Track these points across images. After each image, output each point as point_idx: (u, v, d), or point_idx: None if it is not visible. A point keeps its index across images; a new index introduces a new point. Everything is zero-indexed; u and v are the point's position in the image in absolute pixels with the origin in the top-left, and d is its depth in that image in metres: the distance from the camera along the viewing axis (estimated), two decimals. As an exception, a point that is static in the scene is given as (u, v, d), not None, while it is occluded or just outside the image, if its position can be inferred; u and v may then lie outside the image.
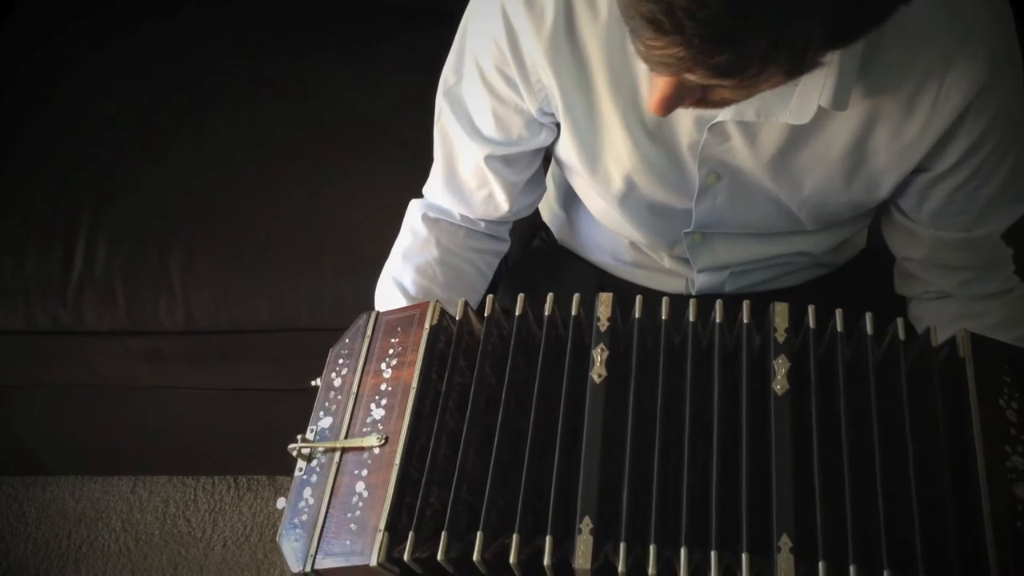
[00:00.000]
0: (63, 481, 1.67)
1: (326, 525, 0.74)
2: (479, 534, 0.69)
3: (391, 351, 0.81)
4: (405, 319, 0.83)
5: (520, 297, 0.79)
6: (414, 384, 0.78)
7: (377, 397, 0.79)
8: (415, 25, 1.49)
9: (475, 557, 0.69)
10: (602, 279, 1.11)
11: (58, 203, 1.36)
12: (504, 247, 1.06)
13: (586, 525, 0.69)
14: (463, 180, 0.96)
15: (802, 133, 0.82)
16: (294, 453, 0.79)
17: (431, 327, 0.80)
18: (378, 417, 0.77)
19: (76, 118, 1.44)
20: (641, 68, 0.81)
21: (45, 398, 1.48)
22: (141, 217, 1.34)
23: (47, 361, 1.39)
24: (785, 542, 0.67)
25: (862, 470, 0.70)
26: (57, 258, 1.32)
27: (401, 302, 0.95)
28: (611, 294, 0.78)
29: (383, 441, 0.76)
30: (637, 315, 0.77)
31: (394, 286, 0.97)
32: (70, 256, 1.32)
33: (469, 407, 0.75)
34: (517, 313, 0.79)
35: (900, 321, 0.76)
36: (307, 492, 0.77)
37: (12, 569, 1.60)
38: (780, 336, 0.75)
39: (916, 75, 0.77)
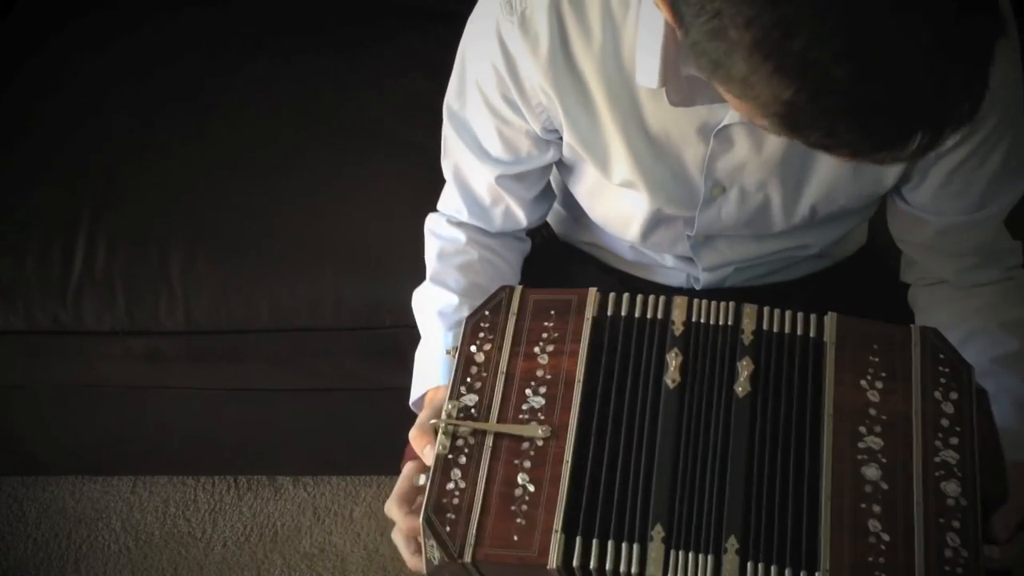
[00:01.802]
0: (63, 481, 1.67)
1: (485, 513, 0.72)
2: (610, 544, 0.71)
3: (545, 335, 0.79)
4: (560, 303, 0.80)
5: (640, 298, 0.79)
6: (580, 377, 0.76)
7: (534, 383, 0.77)
8: (416, 26, 1.49)
9: (609, 567, 0.70)
10: (606, 273, 1.11)
11: (58, 203, 1.36)
12: (528, 247, 1.07)
13: (658, 533, 0.70)
14: (480, 199, 0.97)
15: None
16: (439, 429, 0.76)
17: (593, 318, 0.78)
18: (537, 406, 0.76)
19: (76, 118, 1.44)
20: (640, 86, 0.81)
21: (45, 398, 1.48)
22: (141, 217, 1.34)
23: (47, 361, 1.39)
24: (732, 544, 0.69)
25: (772, 468, 0.72)
26: (57, 258, 1.32)
27: (449, 298, 0.95)
28: (686, 298, 0.78)
29: (549, 434, 0.74)
30: (694, 319, 0.77)
31: (437, 287, 0.98)
32: (70, 256, 1.32)
33: (612, 406, 0.75)
34: (637, 315, 0.78)
35: (800, 316, 0.77)
36: (456, 474, 0.74)
37: (12, 569, 1.60)
38: (747, 338, 0.76)
39: None
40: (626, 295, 0.79)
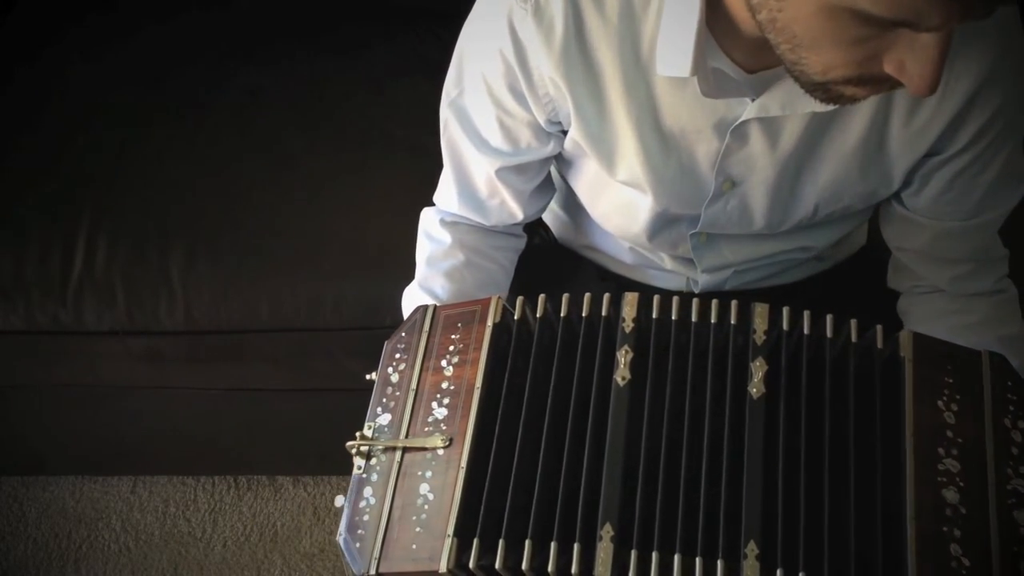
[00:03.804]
0: (63, 481, 1.67)
1: (389, 527, 0.73)
2: (528, 543, 0.69)
3: (452, 348, 0.80)
4: (466, 314, 0.81)
5: (565, 297, 0.79)
6: (478, 384, 0.77)
7: (439, 395, 0.78)
8: (417, 27, 1.49)
9: (524, 566, 0.69)
10: (603, 276, 1.11)
11: (58, 203, 1.36)
12: (522, 243, 1.06)
13: (607, 532, 0.69)
14: (477, 190, 0.97)
15: (821, 126, 0.82)
16: (352, 451, 0.78)
17: (494, 325, 0.79)
18: (440, 416, 0.77)
19: (77, 119, 1.44)
20: (656, 76, 0.80)
21: (45, 398, 1.49)
22: (141, 217, 1.34)
23: (47, 361, 1.39)
24: (752, 549, 0.67)
25: (813, 477, 0.70)
26: (57, 258, 1.32)
27: None
28: (637, 294, 0.78)
29: (448, 442, 0.75)
30: (655, 315, 0.77)
31: (424, 293, 0.98)
32: (70, 256, 1.32)
33: (524, 410, 0.75)
34: (562, 313, 0.78)
35: (853, 323, 0.75)
36: (367, 492, 0.76)
37: (12, 569, 1.60)
38: (759, 338, 0.75)
39: None
40: (541, 296, 0.79)
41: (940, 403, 0.73)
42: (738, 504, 0.69)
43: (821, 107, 0.77)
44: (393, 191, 1.33)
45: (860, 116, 0.81)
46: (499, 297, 0.81)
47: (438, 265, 0.99)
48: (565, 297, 0.79)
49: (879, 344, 0.75)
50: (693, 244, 0.97)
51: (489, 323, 0.79)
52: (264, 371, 1.38)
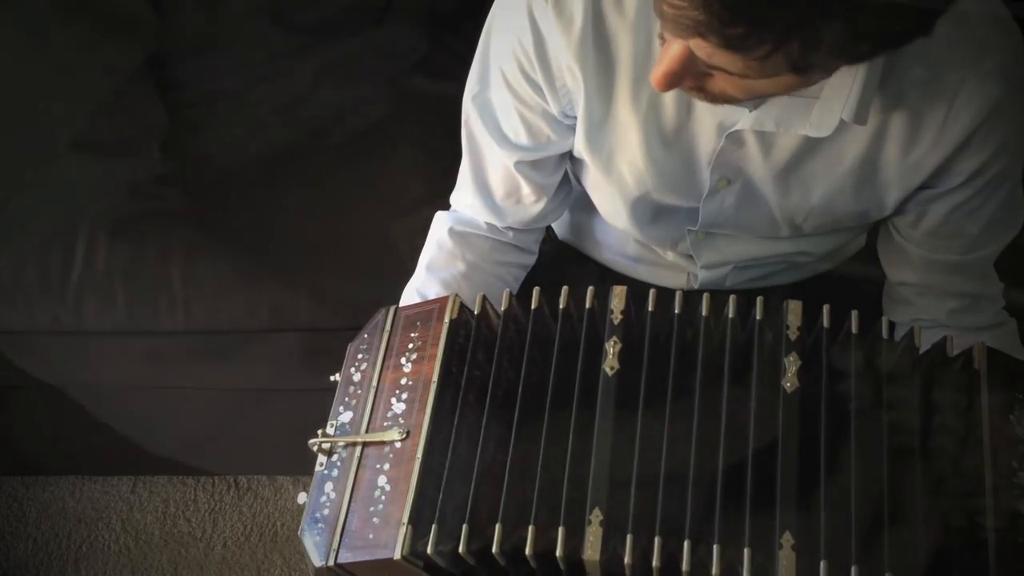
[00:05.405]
0: (63, 481, 1.67)
1: (348, 519, 0.75)
2: (498, 526, 0.70)
3: (410, 345, 0.82)
4: (424, 313, 0.83)
5: (535, 290, 0.80)
6: (434, 378, 0.78)
7: (398, 391, 0.80)
8: (417, 27, 1.49)
9: (494, 550, 0.70)
10: (605, 275, 1.11)
11: (58, 203, 1.35)
12: (531, 259, 1.06)
13: (596, 516, 0.70)
14: (493, 186, 0.97)
15: (816, 144, 0.83)
16: (315, 448, 0.80)
17: (450, 321, 0.81)
18: (399, 411, 0.78)
19: (76, 118, 1.44)
20: None
21: (45, 398, 1.48)
22: (141, 217, 1.34)
23: (47, 361, 1.39)
24: (787, 540, 0.68)
25: (868, 473, 0.70)
26: (57, 258, 1.32)
27: None
28: (625, 287, 0.79)
29: (405, 435, 0.76)
30: (650, 308, 0.78)
31: (419, 299, 0.98)
32: (70, 256, 1.32)
33: (487, 401, 0.76)
34: (533, 307, 0.79)
35: (916, 328, 0.76)
36: (328, 487, 0.77)
37: (12, 569, 1.60)
38: (792, 334, 0.75)
39: (928, 94, 0.78)
40: (506, 291, 0.81)
41: (1012, 417, 0.74)
42: (771, 495, 0.69)
43: (815, 131, 0.78)
44: (394, 191, 1.34)
45: (854, 141, 0.82)
46: (456, 295, 0.83)
47: (437, 272, 0.99)
48: (536, 290, 0.80)
49: (950, 353, 0.76)
50: (692, 240, 0.98)
51: (446, 320, 0.81)
52: (264, 371, 1.38)
